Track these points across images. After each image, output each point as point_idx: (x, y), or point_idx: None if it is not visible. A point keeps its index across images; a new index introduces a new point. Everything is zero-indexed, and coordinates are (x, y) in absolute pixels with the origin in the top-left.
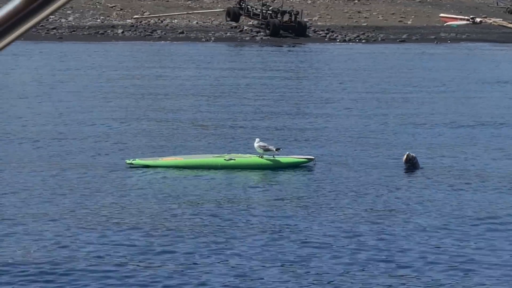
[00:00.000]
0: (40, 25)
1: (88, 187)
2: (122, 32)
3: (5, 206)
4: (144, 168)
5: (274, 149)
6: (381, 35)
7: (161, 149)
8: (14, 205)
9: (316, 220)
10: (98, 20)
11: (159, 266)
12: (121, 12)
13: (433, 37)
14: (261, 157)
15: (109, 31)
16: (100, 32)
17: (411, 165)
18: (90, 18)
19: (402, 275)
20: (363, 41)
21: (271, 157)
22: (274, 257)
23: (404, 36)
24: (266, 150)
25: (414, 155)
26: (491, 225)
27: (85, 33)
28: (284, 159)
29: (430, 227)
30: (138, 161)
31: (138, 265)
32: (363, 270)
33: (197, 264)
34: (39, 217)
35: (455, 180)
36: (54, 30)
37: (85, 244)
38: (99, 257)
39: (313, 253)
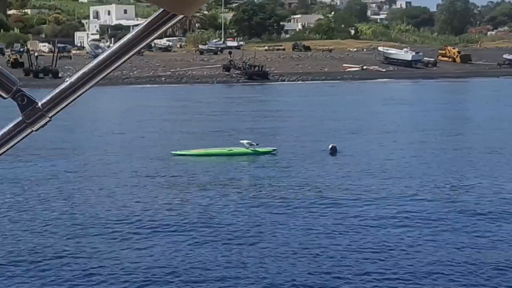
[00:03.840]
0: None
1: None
2: (164, 79)
3: (62, 192)
4: (182, 156)
5: (255, 144)
6: (310, 77)
7: (191, 143)
8: (68, 192)
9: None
10: (150, 72)
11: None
12: (163, 68)
13: (339, 77)
14: (247, 148)
15: (157, 79)
16: (151, 80)
17: (333, 151)
18: (146, 71)
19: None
20: (299, 81)
21: (253, 148)
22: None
23: (323, 77)
24: (251, 145)
25: (335, 145)
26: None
27: (143, 80)
28: (260, 149)
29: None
30: (178, 152)
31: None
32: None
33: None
34: (90, 202)
35: (366, 165)
36: (126, 79)
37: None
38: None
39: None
